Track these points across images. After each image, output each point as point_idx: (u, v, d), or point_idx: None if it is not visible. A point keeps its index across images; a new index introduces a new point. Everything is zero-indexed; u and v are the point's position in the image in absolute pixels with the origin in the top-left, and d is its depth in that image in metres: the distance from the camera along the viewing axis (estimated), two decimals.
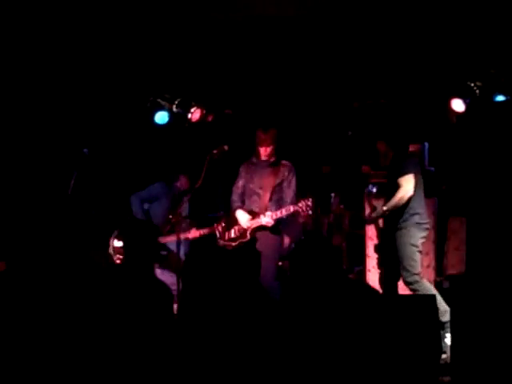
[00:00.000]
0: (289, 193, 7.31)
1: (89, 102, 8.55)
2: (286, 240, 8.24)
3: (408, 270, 6.58)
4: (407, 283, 6.58)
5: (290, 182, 7.34)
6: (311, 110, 8.78)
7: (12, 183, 7.85)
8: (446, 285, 6.80)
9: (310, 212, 7.12)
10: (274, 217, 7.19)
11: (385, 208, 6.84)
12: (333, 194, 8.28)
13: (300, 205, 7.04)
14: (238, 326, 3.63)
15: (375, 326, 4.00)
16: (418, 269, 6.65)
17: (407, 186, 6.67)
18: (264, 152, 7.33)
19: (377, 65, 7.91)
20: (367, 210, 7.92)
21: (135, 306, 3.75)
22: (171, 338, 3.55)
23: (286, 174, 7.35)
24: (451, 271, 7.99)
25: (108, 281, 3.87)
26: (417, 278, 6.58)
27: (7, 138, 8.12)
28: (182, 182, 8.24)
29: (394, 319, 4.53)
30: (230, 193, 7.69)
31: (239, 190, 7.55)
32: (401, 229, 6.73)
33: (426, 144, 8.15)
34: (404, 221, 6.73)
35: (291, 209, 7.13)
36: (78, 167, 7.65)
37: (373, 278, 7.98)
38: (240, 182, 7.54)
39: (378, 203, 7.68)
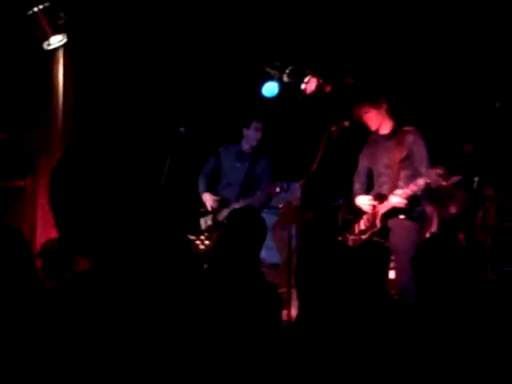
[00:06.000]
0: (421, 163, 6.68)
1: (187, 72, 8.47)
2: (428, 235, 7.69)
3: None
4: None
5: (418, 151, 6.73)
6: (447, 79, 8.32)
7: (98, 169, 7.49)
8: None
9: (444, 183, 6.49)
10: (405, 195, 6.56)
11: None
12: (476, 179, 7.79)
13: (430, 175, 6.42)
14: (362, 336, 3.34)
15: None
16: None
17: None
18: (379, 130, 6.89)
19: None
20: None
21: (239, 310, 3.72)
22: (279, 347, 3.39)
23: (412, 142, 6.76)
24: None
25: (208, 279, 3.53)
26: None
27: (97, 120, 7.97)
28: None
29: None
30: (351, 177, 7.30)
31: (361, 178, 7.16)
32: None
33: None
34: None
35: (421, 182, 6.47)
36: (173, 150, 7.38)
37: None
38: (360, 168, 7.18)
39: None
